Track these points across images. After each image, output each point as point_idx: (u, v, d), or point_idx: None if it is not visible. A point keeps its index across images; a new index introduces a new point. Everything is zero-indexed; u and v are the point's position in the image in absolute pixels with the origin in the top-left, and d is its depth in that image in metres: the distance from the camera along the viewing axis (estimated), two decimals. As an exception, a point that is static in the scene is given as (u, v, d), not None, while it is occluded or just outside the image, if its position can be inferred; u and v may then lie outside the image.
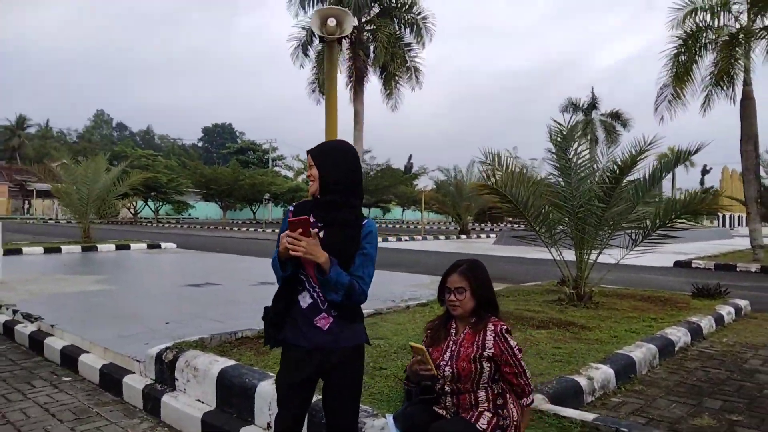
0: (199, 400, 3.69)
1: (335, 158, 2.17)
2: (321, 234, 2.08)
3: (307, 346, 2.14)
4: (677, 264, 13.71)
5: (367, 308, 6.20)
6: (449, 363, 2.38)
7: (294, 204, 2.35)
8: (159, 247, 16.58)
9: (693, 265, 13.51)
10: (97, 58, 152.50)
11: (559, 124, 6.02)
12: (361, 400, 2.74)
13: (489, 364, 2.35)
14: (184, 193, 41.65)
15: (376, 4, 24.59)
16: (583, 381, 3.59)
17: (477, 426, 2.30)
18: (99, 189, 16.31)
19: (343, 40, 23.44)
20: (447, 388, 2.39)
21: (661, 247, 6.64)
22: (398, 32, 24.57)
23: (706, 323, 5.66)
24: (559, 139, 6.10)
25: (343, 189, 2.13)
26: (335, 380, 2.22)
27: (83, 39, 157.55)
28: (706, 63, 13.38)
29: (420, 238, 25.24)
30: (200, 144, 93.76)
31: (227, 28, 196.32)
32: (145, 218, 43.24)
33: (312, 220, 2.16)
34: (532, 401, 2.51)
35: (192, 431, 3.51)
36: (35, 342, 5.38)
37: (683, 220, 6.24)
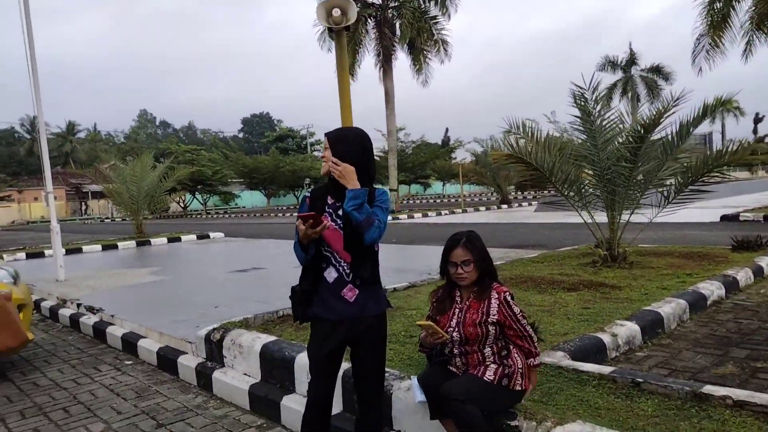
0: (245, 374, 4.01)
1: (348, 141, 2.37)
2: (328, 223, 2.27)
3: (334, 318, 2.35)
4: (724, 218, 13.28)
5: (401, 281, 6.42)
6: (456, 329, 2.55)
7: (310, 190, 2.54)
8: (208, 237, 17.27)
9: (741, 218, 13.07)
10: (136, 60, 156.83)
11: (579, 87, 5.98)
12: (391, 365, 2.97)
13: (494, 328, 2.51)
14: (229, 184, 42.83)
15: (399, -20, 24.37)
16: (606, 338, 3.70)
17: (484, 378, 2.48)
18: (147, 186, 17.06)
19: (368, 20, 23.47)
20: (456, 351, 2.57)
21: (708, 200, 6.56)
22: (423, 6, 24.31)
23: (743, 275, 5.60)
24: (582, 102, 6.07)
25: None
26: (363, 347, 2.44)
27: (120, 44, 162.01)
28: (744, 8, 12.75)
29: (460, 211, 25.22)
30: (240, 135, 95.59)
31: (257, 18, 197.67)
32: (194, 211, 44.77)
33: (331, 201, 2.37)
34: (539, 363, 2.65)
35: (241, 402, 3.83)
36: (98, 331, 5.88)
37: (717, 174, 6.13)
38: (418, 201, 46.35)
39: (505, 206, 27.16)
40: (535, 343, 2.60)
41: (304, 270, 2.44)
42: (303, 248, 2.31)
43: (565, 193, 6.28)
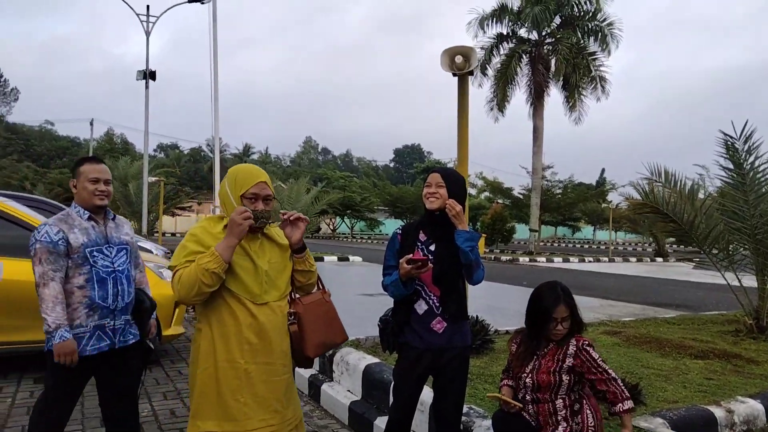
0: (349, 391, 4.33)
1: (460, 185, 2.61)
2: (431, 266, 2.48)
3: (422, 347, 2.54)
4: None
5: (518, 324, 6.33)
6: (530, 375, 2.60)
7: (401, 227, 2.79)
8: (347, 260, 18.33)
9: None
10: (306, 90, 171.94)
11: (728, 135, 5.52)
12: (478, 402, 3.07)
13: (568, 376, 2.52)
14: (375, 211, 44.88)
15: (557, 16, 24.06)
16: (719, 412, 3.41)
17: (555, 437, 2.48)
18: (300, 207, 18.69)
19: (522, 56, 23.40)
20: (528, 397, 2.61)
21: None
22: (581, 42, 23.67)
23: None
24: (732, 152, 5.60)
25: None
26: (445, 376, 2.61)
27: (293, 75, 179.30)
28: None
29: (606, 259, 23.68)
30: (392, 164, 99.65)
31: (417, 50, 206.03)
32: (341, 234, 47.50)
33: (426, 239, 2.61)
34: (630, 407, 2.54)
35: (341, 416, 4.15)
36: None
37: None
38: (563, 244, 44.29)
39: (660, 259, 24.94)
40: (622, 387, 2.53)
41: (396, 303, 2.66)
42: (404, 284, 2.51)
43: (706, 250, 5.78)
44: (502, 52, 24.47)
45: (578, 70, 22.95)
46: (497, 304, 8.67)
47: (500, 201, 34.04)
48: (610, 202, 35.55)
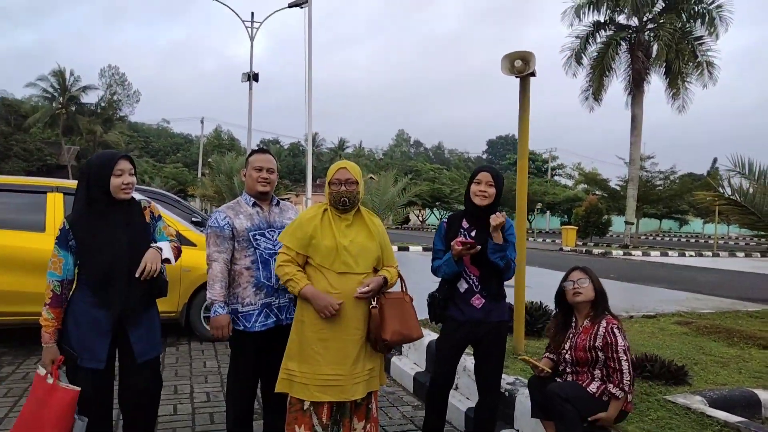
0: (415, 363, 4.82)
1: (502, 184, 3.02)
2: (479, 247, 2.89)
3: (462, 319, 2.98)
4: None
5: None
6: (569, 352, 2.92)
7: (448, 216, 3.24)
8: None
9: None
10: (399, 82, 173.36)
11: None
12: (522, 374, 3.44)
13: (603, 353, 2.82)
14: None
15: (659, 0, 22.79)
16: (764, 394, 3.51)
17: (587, 389, 2.80)
18: (388, 199, 19.38)
19: (621, 43, 22.45)
20: (568, 370, 2.93)
21: None
22: (686, 26, 22.28)
23: None
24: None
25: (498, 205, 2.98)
26: (483, 346, 3.03)
27: (388, 69, 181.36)
28: None
29: (710, 254, 22.22)
30: (484, 156, 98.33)
31: (510, 41, 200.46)
32: (430, 225, 47.92)
33: (468, 226, 3.03)
34: (624, 398, 2.76)
35: (407, 385, 4.64)
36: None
37: None
38: (668, 238, 41.73)
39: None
40: (625, 380, 2.75)
41: (442, 282, 3.10)
42: (456, 263, 2.94)
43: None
44: (598, 40, 23.58)
45: (682, 56, 21.61)
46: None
47: (597, 193, 32.75)
48: (722, 193, 32.79)
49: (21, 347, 5.39)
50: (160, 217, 2.81)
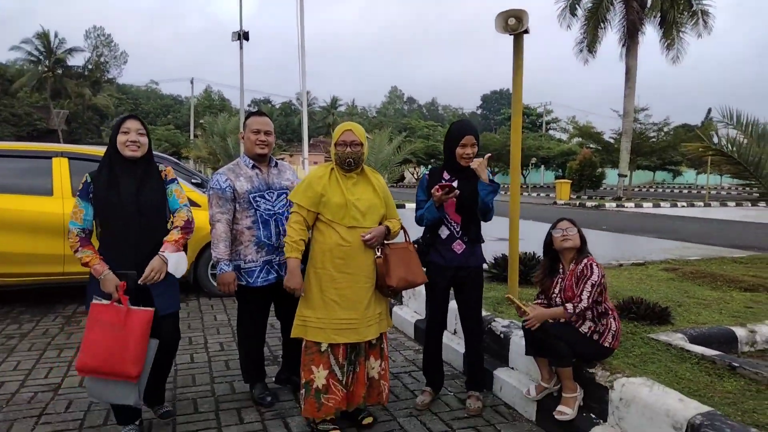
0: (415, 311, 5.07)
1: (478, 138, 3.21)
2: (458, 191, 3.08)
3: (445, 264, 3.20)
4: None
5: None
6: (559, 294, 3.13)
7: (429, 170, 3.43)
8: (429, 207, 18.98)
9: None
10: (391, 39, 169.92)
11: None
12: (515, 318, 3.67)
13: (580, 283, 3.02)
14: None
15: (656, -53, 22.34)
16: (741, 331, 3.77)
17: (579, 330, 3.03)
18: (383, 157, 19.45)
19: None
20: None
21: None
22: (682, -26, 21.93)
23: None
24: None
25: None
26: (465, 289, 3.29)
27: (380, 23, 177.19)
28: None
29: (702, 204, 22.55)
30: (479, 111, 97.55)
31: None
32: (426, 183, 47.98)
33: (449, 178, 3.21)
34: (571, 316, 2.92)
35: (408, 332, 4.90)
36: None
37: None
38: (661, 190, 42.11)
39: (763, 204, 23.28)
40: (579, 306, 2.89)
41: (425, 230, 3.29)
42: (437, 209, 3.15)
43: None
44: (593, -11, 23.22)
45: (677, 5, 21.39)
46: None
47: (591, 146, 32.84)
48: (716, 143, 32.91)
49: (38, 305, 5.62)
50: (174, 180, 2.92)
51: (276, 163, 3.34)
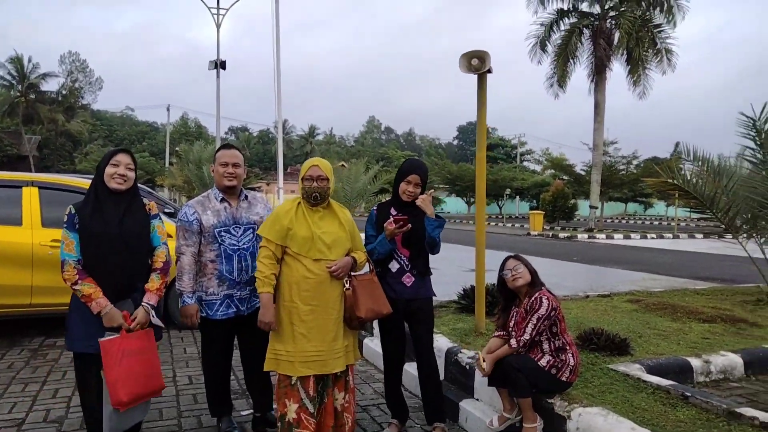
0: (385, 343, 5.12)
1: (427, 176, 3.39)
2: (409, 226, 3.21)
3: (395, 297, 3.27)
4: None
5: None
6: (514, 329, 3.25)
7: (376, 206, 3.53)
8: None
9: None
10: (369, 69, 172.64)
11: (747, 116, 5.78)
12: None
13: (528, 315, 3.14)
14: (436, 189, 45.34)
15: (621, -11, 23.41)
16: (696, 362, 3.92)
17: (538, 363, 3.14)
18: (359, 187, 19.59)
19: (584, 31, 22.98)
20: (521, 350, 3.22)
21: None
22: (646, 14, 22.97)
23: None
24: (753, 132, 5.87)
25: None
26: (416, 320, 3.39)
27: (358, 54, 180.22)
28: None
29: (671, 236, 23.17)
30: (455, 142, 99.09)
31: (478, 26, 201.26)
32: (403, 212, 48.16)
33: (396, 213, 3.30)
34: (515, 350, 3.11)
35: (378, 363, 4.92)
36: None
37: None
38: (633, 221, 43.03)
39: (729, 236, 24.01)
40: (522, 339, 3.08)
41: (375, 263, 3.33)
42: (388, 243, 3.25)
43: (724, 223, 6.11)
44: (562, 27, 24.14)
45: (642, 44, 22.32)
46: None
47: (563, 178, 33.56)
48: (688, 177, 33.82)
49: (1, 338, 5.51)
50: (157, 215, 2.99)
51: (246, 197, 3.36)
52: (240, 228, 3.24)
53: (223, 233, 3.20)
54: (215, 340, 3.30)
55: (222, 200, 3.26)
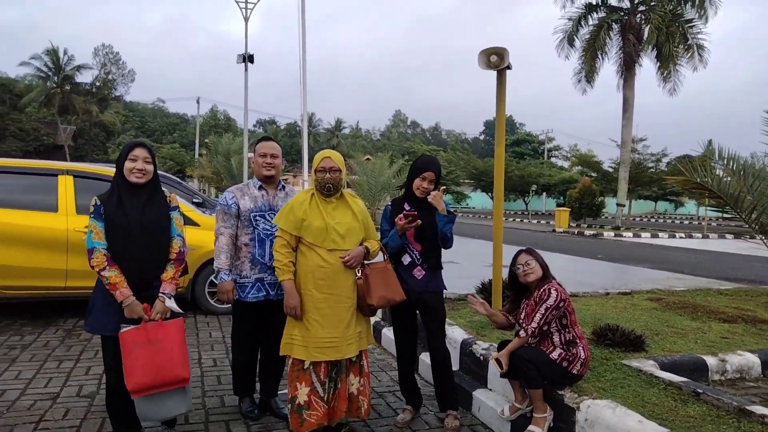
0: (403, 334, 5.23)
1: (440, 173, 3.44)
2: (419, 222, 3.28)
3: (405, 288, 3.32)
4: None
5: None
6: (524, 320, 3.31)
7: (391, 201, 3.62)
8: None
9: None
10: (396, 62, 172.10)
11: (772, 115, 5.69)
12: (494, 341, 3.83)
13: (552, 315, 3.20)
14: (461, 185, 45.13)
15: (652, -17, 22.91)
16: (712, 360, 3.93)
17: (550, 356, 3.20)
18: (383, 181, 19.73)
19: (613, 25, 22.62)
20: (531, 341, 3.28)
21: None
22: (677, 9, 22.45)
23: None
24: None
25: None
26: (427, 311, 3.47)
27: (384, 47, 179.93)
28: None
29: (700, 235, 22.71)
30: (482, 137, 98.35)
31: (505, 18, 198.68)
32: (427, 206, 48.11)
33: (409, 209, 3.35)
34: (525, 340, 3.15)
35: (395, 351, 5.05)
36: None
37: None
38: (662, 220, 42.23)
39: (761, 236, 23.43)
40: (531, 327, 3.12)
41: (389, 256, 3.42)
42: (399, 237, 3.35)
43: (751, 224, 6.03)
44: (590, 22, 23.74)
45: (672, 39, 21.81)
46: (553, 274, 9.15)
47: (591, 175, 33.12)
48: (716, 175, 32.97)
49: (39, 318, 5.79)
50: (176, 207, 3.11)
51: (284, 187, 3.54)
52: (275, 214, 3.33)
53: (258, 217, 3.37)
54: (245, 320, 3.46)
55: (260, 188, 3.45)
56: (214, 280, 6.08)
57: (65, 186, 5.72)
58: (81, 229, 5.42)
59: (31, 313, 5.99)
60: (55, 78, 43.52)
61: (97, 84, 50.35)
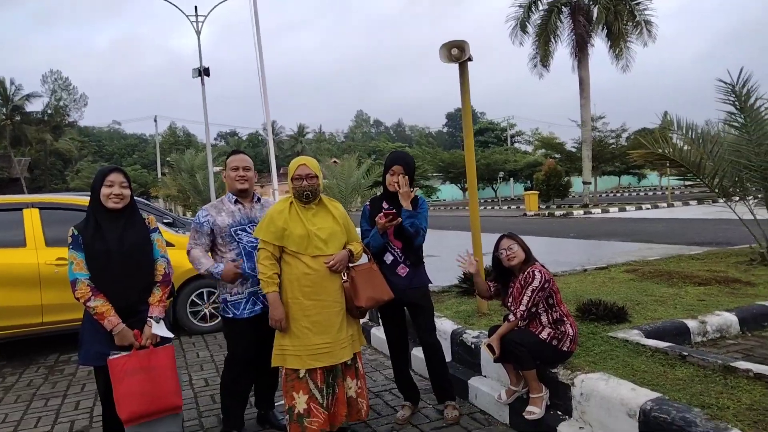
0: (392, 332, 5.25)
1: (411, 167, 3.46)
2: (399, 219, 3.32)
3: (392, 288, 3.33)
4: None
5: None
6: (512, 303, 3.37)
7: (369, 200, 3.65)
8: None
9: None
10: (352, 65, 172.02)
11: (725, 82, 5.91)
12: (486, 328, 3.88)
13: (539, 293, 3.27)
14: (429, 178, 45.37)
15: (596, -36, 23.43)
16: (692, 323, 4.06)
17: (539, 336, 3.27)
18: (354, 182, 19.69)
19: (562, 9, 23.04)
20: (520, 324, 3.34)
21: None
22: (622, -13, 23.03)
23: None
24: (732, 98, 6.00)
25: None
26: (414, 307, 3.51)
27: (341, 50, 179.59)
28: None
29: (665, 205, 23.39)
30: (445, 129, 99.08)
31: (459, 14, 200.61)
32: (398, 203, 48.26)
33: (388, 207, 3.42)
34: (515, 323, 3.24)
35: (386, 351, 5.05)
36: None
37: None
38: (627, 194, 43.27)
39: (722, 200, 24.24)
40: (519, 310, 3.20)
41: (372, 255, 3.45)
42: (381, 236, 3.38)
43: (713, 188, 6.25)
44: (540, 7, 24.17)
45: (621, 17, 22.39)
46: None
47: (555, 156, 33.71)
48: (675, 145, 34.01)
49: (16, 358, 5.62)
50: (155, 229, 3.07)
51: (258, 199, 3.50)
52: (256, 226, 3.30)
53: (239, 232, 3.32)
54: (244, 338, 3.30)
55: (236, 202, 3.39)
56: (194, 299, 6.13)
57: (31, 219, 5.56)
58: (52, 261, 5.28)
59: (7, 352, 5.80)
60: (4, 109, 42.17)
61: (49, 112, 48.98)
